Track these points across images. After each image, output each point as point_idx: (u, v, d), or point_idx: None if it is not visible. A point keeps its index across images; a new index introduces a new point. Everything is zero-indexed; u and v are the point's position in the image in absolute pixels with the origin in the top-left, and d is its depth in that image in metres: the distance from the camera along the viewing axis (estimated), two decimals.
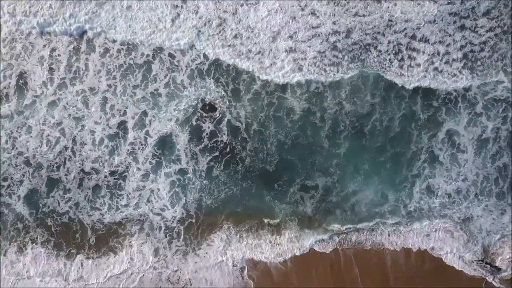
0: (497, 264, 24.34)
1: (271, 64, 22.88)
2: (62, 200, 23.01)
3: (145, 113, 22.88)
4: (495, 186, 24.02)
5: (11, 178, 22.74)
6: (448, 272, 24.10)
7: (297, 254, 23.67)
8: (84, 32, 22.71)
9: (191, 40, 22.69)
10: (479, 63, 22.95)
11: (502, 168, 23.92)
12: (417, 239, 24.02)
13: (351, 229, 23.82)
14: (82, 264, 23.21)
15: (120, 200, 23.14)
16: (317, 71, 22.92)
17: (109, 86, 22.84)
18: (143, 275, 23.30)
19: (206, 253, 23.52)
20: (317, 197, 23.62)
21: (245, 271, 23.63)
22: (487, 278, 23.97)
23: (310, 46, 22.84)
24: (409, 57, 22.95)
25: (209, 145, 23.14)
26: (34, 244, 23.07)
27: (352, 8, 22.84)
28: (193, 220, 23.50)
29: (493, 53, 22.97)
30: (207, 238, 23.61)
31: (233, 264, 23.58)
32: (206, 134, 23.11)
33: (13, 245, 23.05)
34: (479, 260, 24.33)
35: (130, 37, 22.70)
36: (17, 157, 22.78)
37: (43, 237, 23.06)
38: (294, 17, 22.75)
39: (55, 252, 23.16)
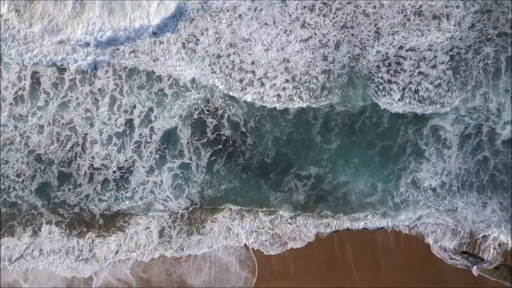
0: (479, 254, 25.39)
1: (264, 74, 24.26)
2: (73, 194, 24.32)
3: (151, 110, 24.24)
4: (476, 180, 25.38)
5: (24, 174, 24.03)
6: (435, 258, 25.44)
7: (298, 246, 25.06)
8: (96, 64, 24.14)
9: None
10: (463, 63, 24.50)
11: (482, 162, 25.36)
12: (405, 226, 25.32)
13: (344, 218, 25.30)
14: (93, 241, 24.57)
15: (126, 193, 24.46)
16: (309, 79, 24.28)
17: (116, 85, 24.17)
18: (150, 250, 24.66)
19: (211, 228, 24.80)
20: (309, 185, 24.94)
21: (250, 245, 25.01)
22: (472, 270, 25.06)
23: (300, 58, 24.27)
24: (396, 62, 24.41)
25: (212, 138, 24.51)
26: (48, 224, 24.37)
27: (340, 20, 24.36)
28: (197, 207, 24.84)
29: (476, 55, 24.55)
30: (211, 217, 24.94)
31: (238, 239, 24.99)
32: (210, 130, 24.51)
33: (28, 229, 24.33)
34: (462, 251, 25.42)
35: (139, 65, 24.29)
36: (28, 156, 24.04)
37: (58, 217, 24.42)
38: (286, 30, 24.27)
39: (68, 231, 24.44)
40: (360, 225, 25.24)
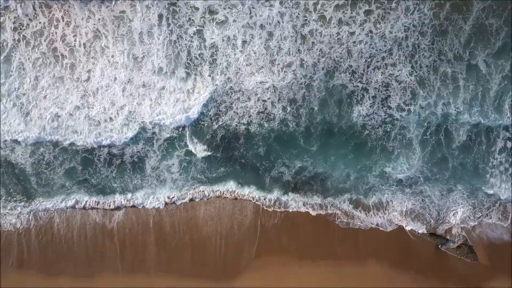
0: (444, 235, 27.89)
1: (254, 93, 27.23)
2: (93, 178, 27.94)
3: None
4: (445, 170, 27.99)
5: (54, 162, 27.45)
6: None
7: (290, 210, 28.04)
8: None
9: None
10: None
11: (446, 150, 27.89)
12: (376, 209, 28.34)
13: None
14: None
15: (141, 176, 28.20)
16: (291, 93, 26.97)
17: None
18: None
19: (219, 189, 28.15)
20: (293, 170, 28.17)
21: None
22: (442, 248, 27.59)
23: (284, 78, 26.90)
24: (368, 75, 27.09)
25: (215, 127, 27.73)
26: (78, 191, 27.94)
27: (316, 50, 26.70)
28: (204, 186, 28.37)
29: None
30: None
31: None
32: (212, 121, 27.86)
33: (59, 196, 27.83)
34: (429, 232, 27.74)
35: None
36: (54, 150, 27.42)
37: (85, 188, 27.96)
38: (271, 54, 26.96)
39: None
40: (343, 207, 28.29)
